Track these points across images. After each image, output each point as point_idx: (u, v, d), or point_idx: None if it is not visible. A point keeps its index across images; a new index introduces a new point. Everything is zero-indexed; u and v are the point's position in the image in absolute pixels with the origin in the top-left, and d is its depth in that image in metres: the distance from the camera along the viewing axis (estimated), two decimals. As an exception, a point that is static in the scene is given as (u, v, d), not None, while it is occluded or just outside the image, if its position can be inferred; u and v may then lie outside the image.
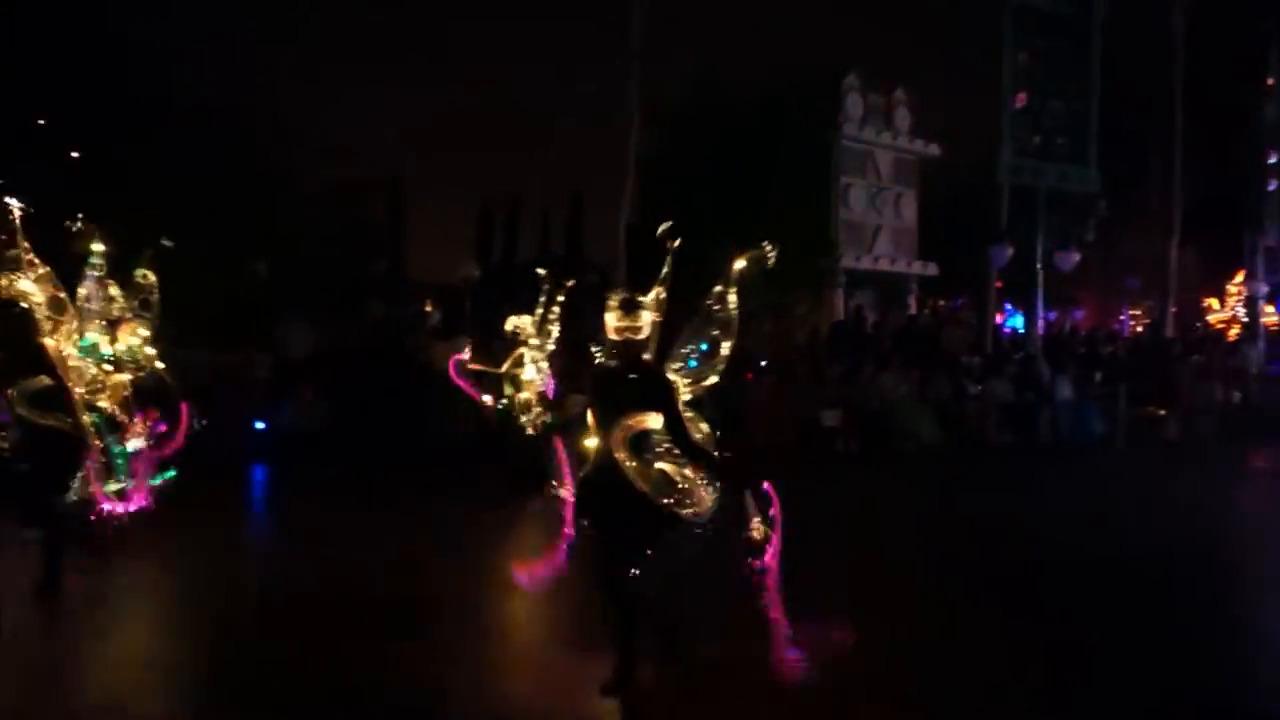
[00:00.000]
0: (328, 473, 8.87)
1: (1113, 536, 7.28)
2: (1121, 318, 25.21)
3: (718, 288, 4.07)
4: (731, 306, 4.05)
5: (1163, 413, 14.00)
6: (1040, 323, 16.82)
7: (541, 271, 8.02)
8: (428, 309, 14.17)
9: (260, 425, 10.08)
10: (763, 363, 12.71)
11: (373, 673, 4.04)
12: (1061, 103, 16.06)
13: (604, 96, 14.64)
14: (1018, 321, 19.86)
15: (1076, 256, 16.85)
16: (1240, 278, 24.64)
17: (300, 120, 14.25)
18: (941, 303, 19.35)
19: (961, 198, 18.56)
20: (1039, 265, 16.38)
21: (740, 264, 4.09)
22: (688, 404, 3.98)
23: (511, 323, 7.84)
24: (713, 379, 4.08)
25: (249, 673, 4.04)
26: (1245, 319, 23.82)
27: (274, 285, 12.73)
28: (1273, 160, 19.27)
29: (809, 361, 13.49)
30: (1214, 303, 23.82)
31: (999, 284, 17.57)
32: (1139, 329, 22.72)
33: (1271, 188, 19.39)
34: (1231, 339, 19.48)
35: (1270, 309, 20.97)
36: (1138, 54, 19.71)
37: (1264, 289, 19.47)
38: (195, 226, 10.16)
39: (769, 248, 4.12)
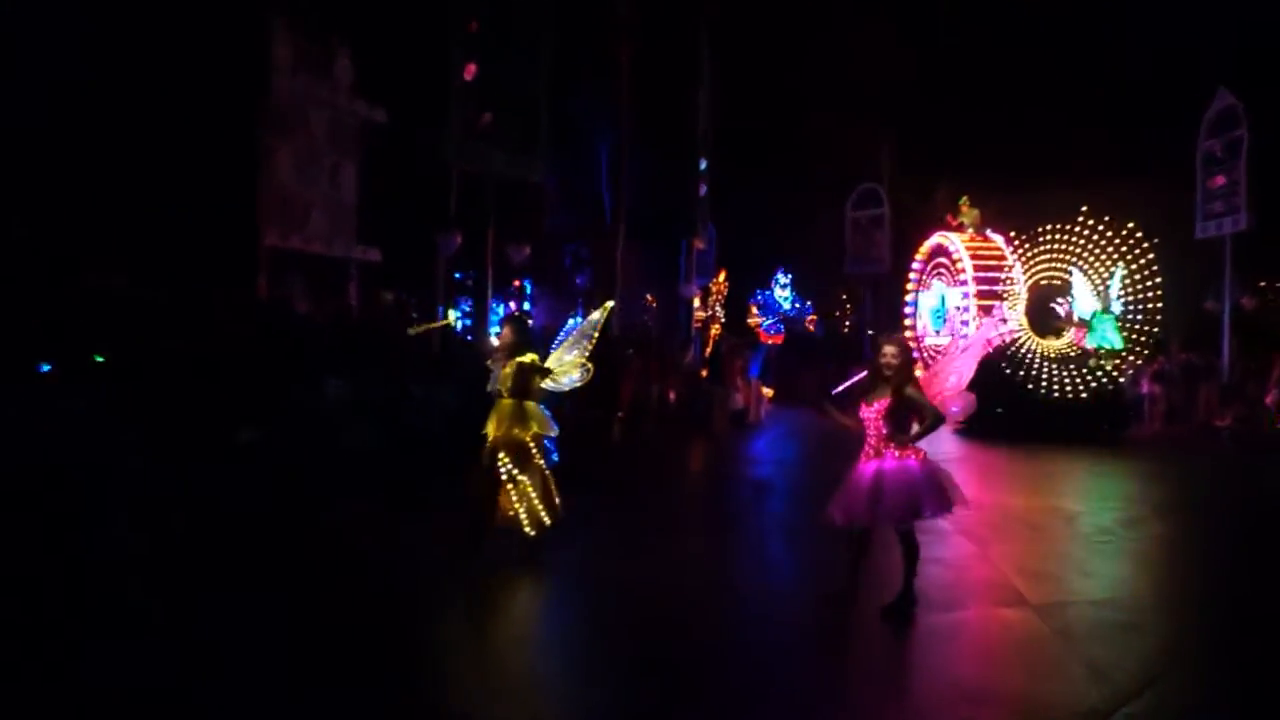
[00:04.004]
0: None
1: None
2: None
3: None
4: None
5: (620, 414, 16.02)
6: (491, 319, 18.18)
7: None
8: None
9: None
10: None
11: None
12: (511, 82, 17.49)
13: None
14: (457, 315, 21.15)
15: (527, 250, 18.50)
16: (723, 276, 29.52)
17: None
18: (386, 294, 19.82)
19: (409, 176, 19.19)
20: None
21: None
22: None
23: None
24: None
25: None
26: (722, 319, 28.59)
27: None
28: (703, 166, 23.32)
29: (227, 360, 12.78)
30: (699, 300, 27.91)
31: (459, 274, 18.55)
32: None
33: (702, 193, 23.46)
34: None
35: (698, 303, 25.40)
36: (587, 51, 22.45)
37: (694, 290, 23.52)
38: None
39: None
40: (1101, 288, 17.72)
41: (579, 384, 7.81)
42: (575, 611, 6.64)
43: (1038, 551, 8.42)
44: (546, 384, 7.69)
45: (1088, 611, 6.63)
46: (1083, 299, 17.93)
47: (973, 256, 21.19)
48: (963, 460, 15.31)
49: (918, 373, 6.57)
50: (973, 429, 17.48)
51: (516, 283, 30.28)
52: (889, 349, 6.24)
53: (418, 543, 8.22)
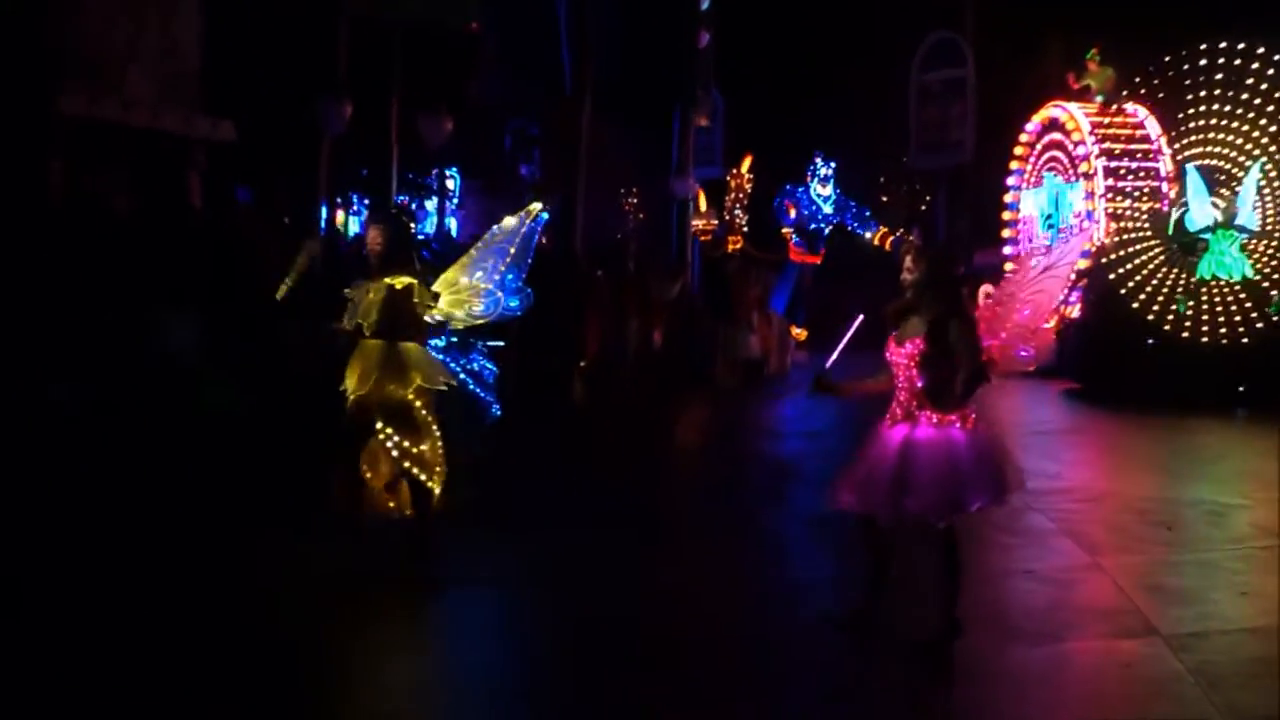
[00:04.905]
0: None
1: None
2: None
3: None
4: None
5: (582, 363, 16.17)
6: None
7: None
8: None
9: None
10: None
11: None
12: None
13: None
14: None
15: (448, 125, 18.52)
16: (746, 166, 29.30)
17: None
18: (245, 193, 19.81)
19: (278, 16, 19.13)
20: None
21: None
22: None
23: None
24: None
25: None
26: (745, 229, 28.55)
27: None
28: (705, 4, 23.15)
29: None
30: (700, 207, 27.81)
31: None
32: (542, 240, 25.86)
33: (704, 44, 23.32)
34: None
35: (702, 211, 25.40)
36: None
37: (693, 187, 23.47)
38: None
39: None
40: (1233, 190, 17.79)
41: (481, 319, 7.61)
42: (522, 640, 6.76)
43: (1172, 561, 8.49)
44: (438, 315, 7.51)
45: (1238, 644, 6.70)
46: (1197, 210, 17.91)
47: (1102, 138, 20.98)
48: (1070, 433, 15.50)
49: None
50: (1088, 388, 17.64)
51: (435, 172, 30.20)
52: (906, 259, 6.24)
53: (299, 541, 8.34)
